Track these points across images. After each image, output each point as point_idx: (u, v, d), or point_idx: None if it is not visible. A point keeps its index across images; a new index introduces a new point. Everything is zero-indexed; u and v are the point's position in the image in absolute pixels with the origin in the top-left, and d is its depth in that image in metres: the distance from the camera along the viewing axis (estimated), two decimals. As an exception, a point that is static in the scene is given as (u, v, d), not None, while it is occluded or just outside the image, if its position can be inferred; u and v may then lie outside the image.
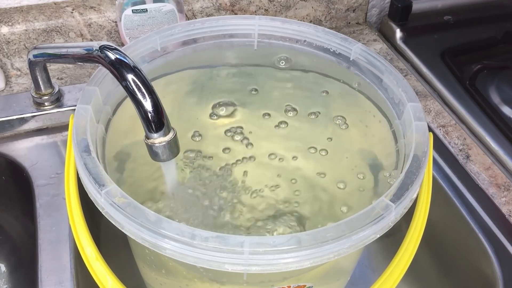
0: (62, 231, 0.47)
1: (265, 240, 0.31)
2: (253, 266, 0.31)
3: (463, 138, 0.57)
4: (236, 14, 0.67)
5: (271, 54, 0.51)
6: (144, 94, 0.35)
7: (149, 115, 0.35)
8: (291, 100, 0.52)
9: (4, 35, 0.59)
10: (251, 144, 0.54)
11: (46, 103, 0.56)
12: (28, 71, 0.53)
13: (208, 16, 0.66)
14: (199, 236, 0.31)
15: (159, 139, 0.36)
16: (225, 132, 0.54)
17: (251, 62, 0.50)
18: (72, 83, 0.61)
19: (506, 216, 0.49)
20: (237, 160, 0.55)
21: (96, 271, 0.37)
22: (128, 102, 0.44)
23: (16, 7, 0.60)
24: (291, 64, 0.51)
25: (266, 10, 0.68)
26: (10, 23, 0.59)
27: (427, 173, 0.40)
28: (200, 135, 0.53)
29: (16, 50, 0.60)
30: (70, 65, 0.64)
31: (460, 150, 0.55)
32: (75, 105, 0.39)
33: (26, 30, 0.59)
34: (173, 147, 0.37)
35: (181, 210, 0.46)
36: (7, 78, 0.61)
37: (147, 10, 0.57)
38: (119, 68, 0.35)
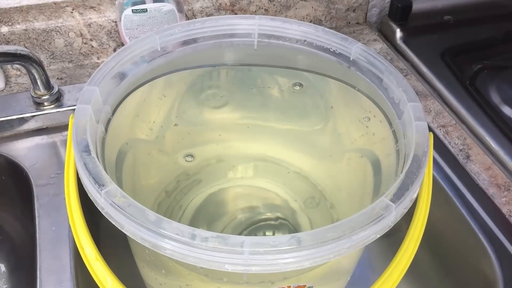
0: (62, 231, 0.47)
1: (265, 240, 0.31)
2: (253, 266, 0.31)
3: (463, 138, 0.57)
4: (236, 14, 0.67)
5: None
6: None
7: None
8: (291, 99, 0.52)
9: (4, 35, 0.59)
10: (251, 144, 0.54)
11: (45, 103, 0.56)
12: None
13: (208, 16, 0.66)
14: (199, 236, 0.31)
15: None
16: (225, 132, 0.54)
17: (251, 62, 0.50)
18: (72, 83, 0.61)
19: (506, 216, 0.49)
20: (236, 160, 0.55)
21: (96, 271, 0.36)
22: (128, 102, 0.44)
23: (16, 7, 0.60)
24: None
25: (266, 10, 0.68)
26: (10, 23, 0.59)
27: (427, 173, 0.40)
28: (200, 134, 0.53)
29: (16, 50, 0.60)
30: (70, 65, 0.63)
31: (460, 150, 0.55)
32: (75, 105, 0.39)
33: (26, 30, 0.59)
34: None
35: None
36: (7, 78, 0.61)
37: (147, 10, 0.57)
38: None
